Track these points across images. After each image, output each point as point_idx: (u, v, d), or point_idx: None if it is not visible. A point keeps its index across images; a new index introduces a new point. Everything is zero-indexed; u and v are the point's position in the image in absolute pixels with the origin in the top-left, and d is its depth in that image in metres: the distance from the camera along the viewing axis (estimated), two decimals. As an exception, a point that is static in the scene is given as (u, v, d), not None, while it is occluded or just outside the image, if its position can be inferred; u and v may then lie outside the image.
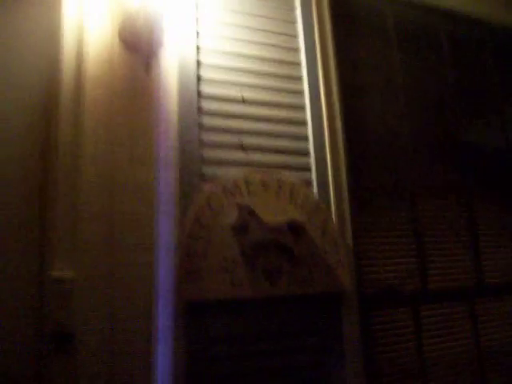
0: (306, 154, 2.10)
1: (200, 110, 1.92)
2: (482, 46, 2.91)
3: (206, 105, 1.94)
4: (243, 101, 2.02)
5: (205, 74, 1.97)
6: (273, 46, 2.15)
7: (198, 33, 1.99)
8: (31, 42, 1.83)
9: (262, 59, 2.11)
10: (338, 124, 2.18)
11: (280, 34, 2.19)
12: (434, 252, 2.40)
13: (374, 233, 2.26)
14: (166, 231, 1.78)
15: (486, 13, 2.89)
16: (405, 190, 2.40)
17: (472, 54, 2.87)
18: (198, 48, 1.97)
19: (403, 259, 2.30)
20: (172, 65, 1.92)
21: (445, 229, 2.47)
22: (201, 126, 1.91)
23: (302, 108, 2.14)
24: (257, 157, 1.99)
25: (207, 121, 1.93)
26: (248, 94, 2.04)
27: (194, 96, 1.92)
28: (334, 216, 2.05)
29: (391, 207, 2.34)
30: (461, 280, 2.44)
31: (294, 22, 2.23)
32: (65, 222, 1.66)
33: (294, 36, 2.21)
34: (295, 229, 1.90)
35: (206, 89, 1.96)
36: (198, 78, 1.95)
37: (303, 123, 2.13)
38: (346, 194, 2.12)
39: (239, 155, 1.96)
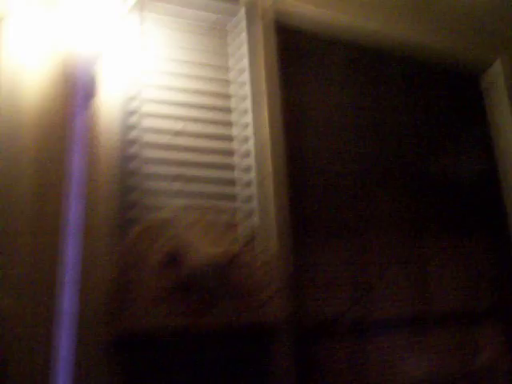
0: (248, 184, 2.14)
1: (139, 142, 1.98)
2: (435, 84, 2.99)
3: (146, 137, 1.99)
4: (183, 132, 2.07)
5: (144, 108, 2.03)
6: (214, 79, 2.22)
7: (139, 70, 2.05)
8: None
9: (203, 93, 2.17)
10: (282, 155, 2.22)
11: (224, 67, 2.26)
12: (378, 282, 2.41)
13: (316, 263, 2.26)
14: (97, 261, 1.83)
15: (441, 55, 2.99)
16: (349, 221, 2.42)
17: (425, 92, 2.93)
18: (139, 84, 2.04)
19: (345, 289, 2.31)
20: (110, 102, 1.98)
21: (390, 259, 2.49)
22: (140, 158, 1.96)
23: (246, 139, 2.19)
24: (197, 187, 2.02)
25: (147, 152, 1.98)
26: (188, 126, 2.09)
27: (132, 130, 1.98)
28: (273, 247, 2.08)
29: (335, 238, 2.34)
30: (406, 310, 2.44)
31: (242, 59, 2.31)
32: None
33: (243, 70, 2.28)
34: (230, 259, 1.94)
35: (145, 122, 2.02)
36: (137, 113, 2.01)
37: (246, 154, 2.17)
38: (287, 225, 2.14)
39: (178, 186, 2.00)
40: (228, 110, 2.21)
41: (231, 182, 2.11)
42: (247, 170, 2.16)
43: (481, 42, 3.19)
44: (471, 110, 3.13)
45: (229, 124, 2.19)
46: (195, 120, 2.11)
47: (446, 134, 2.94)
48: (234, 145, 2.17)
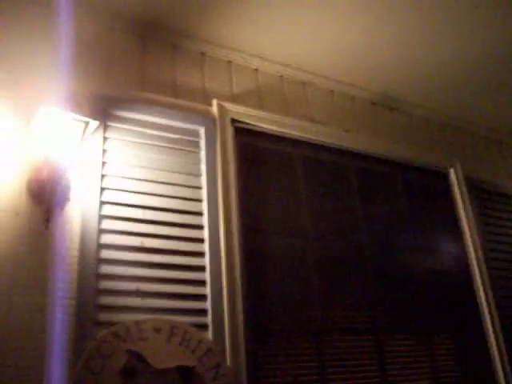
0: (203, 298, 2.23)
1: (99, 259, 2.08)
2: (390, 180, 3.18)
3: (106, 254, 2.10)
4: (143, 248, 2.18)
5: (106, 225, 2.15)
6: (176, 197, 2.35)
7: (102, 188, 2.19)
8: None
9: (163, 209, 2.30)
10: (237, 268, 2.33)
11: (185, 186, 2.40)
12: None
13: (272, 372, 2.32)
14: (58, 377, 1.85)
15: (395, 153, 3.22)
16: (309, 328, 2.49)
17: (381, 187, 3.12)
18: (101, 202, 2.17)
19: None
20: (75, 217, 2.10)
21: (351, 364, 2.53)
22: (99, 275, 2.05)
23: (202, 254, 2.30)
24: (153, 302, 2.12)
25: (106, 269, 2.08)
26: (148, 242, 2.20)
27: (94, 246, 2.08)
28: (228, 358, 2.14)
29: (293, 345, 2.42)
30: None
31: (199, 175, 2.45)
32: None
33: (199, 187, 2.42)
34: (185, 373, 1.98)
35: (108, 239, 2.13)
36: (100, 230, 2.12)
37: (202, 268, 2.28)
38: (241, 337, 2.22)
39: (135, 301, 2.08)
40: (185, 226, 2.34)
41: (186, 296, 2.20)
42: (202, 283, 2.26)
43: (439, 149, 3.50)
44: (440, 204, 3.35)
45: (185, 239, 2.31)
46: (155, 236, 2.24)
47: (413, 229, 3.12)
48: (190, 260, 2.28)
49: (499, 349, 2.99)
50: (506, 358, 2.99)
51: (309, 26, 2.72)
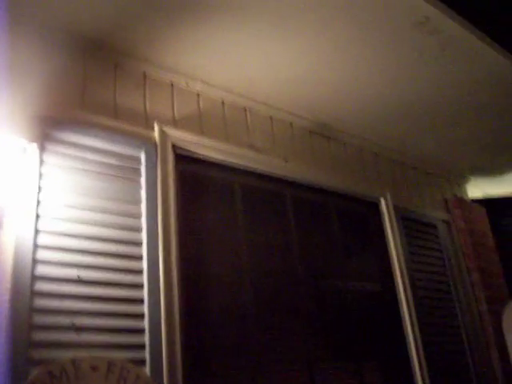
0: (141, 332, 2.16)
1: (32, 292, 1.96)
2: (325, 208, 3.25)
3: (40, 286, 1.98)
4: (79, 280, 2.08)
5: (41, 255, 2.03)
6: (113, 225, 2.26)
7: (37, 215, 2.07)
8: None
9: (102, 239, 2.21)
10: (176, 301, 2.28)
11: (124, 214, 2.31)
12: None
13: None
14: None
15: (329, 183, 3.27)
16: (246, 364, 2.48)
17: (316, 215, 3.18)
18: (36, 230, 2.05)
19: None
20: (8, 247, 1.97)
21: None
22: (32, 309, 1.93)
23: (140, 286, 2.22)
24: (89, 337, 2.02)
25: (39, 302, 1.96)
26: (84, 274, 2.11)
27: (28, 278, 1.96)
28: (166, 396, 2.09)
29: (230, 379, 2.41)
30: None
31: (139, 203, 2.38)
32: None
33: (138, 216, 2.35)
34: (122, 413, 1.92)
35: (42, 270, 2.01)
36: (34, 260, 2.00)
37: (140, 301, 2.20)
38: (180, 372, 2.16)
39: (71, 336, 1.98)
40: (123, 256, 2.25)
41: (124, 330, 2.13)
42: (141, 317, 2.19)
43: (371, 178, 3.60)
44: (371, 231, 3.45)
45: (123, 271, 2.22)
46: (92, 267, 2.14)
47: (347, 255, 3.20)
48: (128, 293, 2.20)
49: (423, 378, 3.09)
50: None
51: (253, 54, 2.71)
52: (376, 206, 3.54)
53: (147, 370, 2.10)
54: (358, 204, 3.46)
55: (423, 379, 3.09)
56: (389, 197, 3.57)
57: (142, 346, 2.14)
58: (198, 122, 2.79)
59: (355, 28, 2.60)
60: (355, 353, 2.96)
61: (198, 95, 2.88)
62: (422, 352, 3.19)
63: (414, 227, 3.69)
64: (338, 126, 3.48)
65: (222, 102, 2.97)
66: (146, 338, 2.15)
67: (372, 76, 2.98)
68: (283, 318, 2.73)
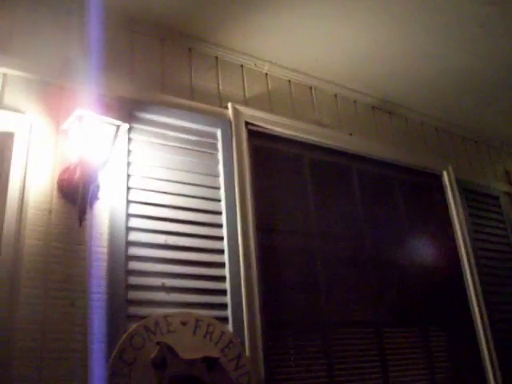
0: (224, 293, 2.37)
1: (127, 255, 2.20)
2: (389, 181, 3.36)
3: (133, 251, 2.22)
4: (166, 245, 2.30)
5: (133, 223, 2.26)
6: (196, 197, 2.47)
7: (129, 187, 2.30)
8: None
9: (186, 209, 2.42)
10: (254, 264, 2.48)
11: (204, 186, 2.52)
12: (345, 378, 2.62)
13: (286, 362, 2.49)
14: (97, 366, 1.97)
15: (392, 156, 3.39)
16: (317, 322, 2.66)
17: (380, 188, 3.31)
18: (128, 201, 2.28)
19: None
20: (105, 215, 2.21)
21: (355, 355, 2.72)
22: (127, 271, 2.17)
23: (221, 251, 2.44)
24: (178, 297, 2.25)
25: (133, 265, 2.20)
26: (171, 240, 2.33)
27: (123, 243, 2.20)
28: (247, 349, 2.29)
29: (303, 337, 2.60)
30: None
31: (217, 176, 2.58)
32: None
33: (217, 187, 2.55)
34: (210, 363, 2.12)
35: (134, 236, 2.25)
36: (127, 228, 2.24)
37: (222, 265, 2.41)
38: (259, 329, 2.37)
39: (162, 296, 2.21)
40: (205, 224, 2.46)
41: (208, 291, 2.34)
42: (222, 279, 2.40)
43: (433, 152, 3.69)
44: (434, 204, 3.55)
45: (205, 237, 2.43)
46: (178, 234, 2.36)
47: (411, 227, 3.32)
48: (211, 257, 2.41)
49: (487, 342, 3.19)
50: (493, 350, 3.20)
51: (318, 34, 2.86)
52: (439, 179, 3.62)
53: (229, 327, 2.31)
54: (420, 177, 3.55)
55: (487, 343, 3.20)
56: (451, 169, 3.65)
57: (224, 306, 2.35)
58: (267, 100, 2.98)
59: (417, 3, 2.69)
60: (421, 318, 3.09)
61: (267, 75, 3.06)
62: (486, 319, 3.27)
63: (476, 199, 3.75)
64: (400, 101, 3.57)
65: (289, 81, 3.14)
66: (228, 298, 2.36)
67: (433, 50, 3.06)
68: (351, 283, 2.88)
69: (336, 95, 3.32)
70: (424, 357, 3.00)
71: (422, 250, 3.32)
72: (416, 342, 3.01)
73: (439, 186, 3.60)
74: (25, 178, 2.10)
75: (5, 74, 2.21)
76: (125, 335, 2.03)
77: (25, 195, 2.08)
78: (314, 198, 2.93)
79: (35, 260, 2.01)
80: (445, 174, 3.62)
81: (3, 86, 2.19)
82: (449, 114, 3.79)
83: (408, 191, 3.45)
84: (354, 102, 3.41)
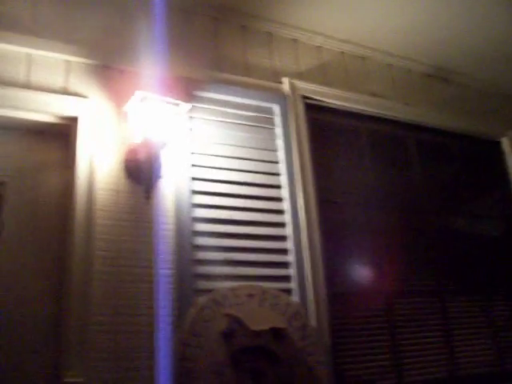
0: (287, 265, 2.41)
1: (193, 231, 2.26)
2: (447, 149, 3.34)
3: (199, 227, 2.29)
4: (231, 220, 2.36)
5: (197, 200, 2.33)
6: (257, 172, 2.52)
7: (191, 165, 2.36)
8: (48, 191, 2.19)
9: (248, 184, 2.47)
10: (317, 236, 2.51)
11: (264, 161, 2.57)
12: (408, 347, 2.65)
13: (350, 332, 2.52)
14: (164, 338, 2.05)
15: (450, 124, 3.35)
16: (380, 291, 2.68)
17: (439, 157, 3.28)
18: (191, 178, 2.34)
19: (379, 356, 2.56)
20: (169, 193, 2.27)
21: (418, 325, 2.74)
22: (194, 246, 2.24)
23: (283, 225, 2.48)
24: (244, 270, 2.31)
25: (199, 241, 2.26)
26: (235, 215, 2.38)
27: (188, 219, 2.26)
28: (312, 320, 2.33)
29: (366, 308, 2.62)
30: (435, 373, 2.67)
31: (276, 150, 2.62)
32: (77, 334, 1.94)
33: (277, 162, 2.59)
34: (277, 334, 2.17)
35: (198, 212, 2.31)
36: (192, 204, 2.30)
37: (285, 238, 2.46)
38: (323, 299, 2.41)
39: (228, 269, 2.27)
40: (267, 198, 2.51)
41: (272, 264, 2.39)
42: (286, 252, 2.44)
43: (492, 119, 3.61)
44: (493, 171, 3.51)
45: (268, 211, 2.48)
46: (240, 208, 2.42)
47: (471, 195, 3.30)
48: (273, 230, 2.46)
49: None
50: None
51: (369, 4, 2.82)
52: (498, 145, 3.56)
53: (295, 298, 2.36)
54: (479, 144, 3.49)
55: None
56: (511, 135, 3.58)
57: (288, 278, 2.40)
58: (321, 73, 2.97)
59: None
60: (484, 287, 3.06)
61: (320, 48, 3.05)
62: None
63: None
64: (455, 68, 3.50)
65: (342, 53, 3.12)
66: (292, 271, 2.41)
67: (489, 14, 2.98)
68: (412, 253, 2.88)
69: (390, 65, 3.29)
70: (488, 326, 2.98)
71: (483, 219, 3.28)
72: (480, 311, 2.99)
73: (499, 153, 3.54)
74: (91, 161, 2.18)
75: (68, 61, 2.28)
76: (194, 308, 2.11)
77: (92, 177, 2.16)
78: (372, 169, 2.93)
79: (106, 239, 2.09)
80: (504, 140, 3.55)
81: (67, 73, 2.27)
82: (507, 79, 3.68)
83: (467, 158, 3.40)
84: (409, 70, 3.36)
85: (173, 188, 2.28)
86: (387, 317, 2.66)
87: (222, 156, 2.46)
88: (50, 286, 2.09)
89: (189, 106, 2.34)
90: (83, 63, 2.31)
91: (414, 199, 3.03)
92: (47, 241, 2.14)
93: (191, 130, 2.42)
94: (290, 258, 2.43)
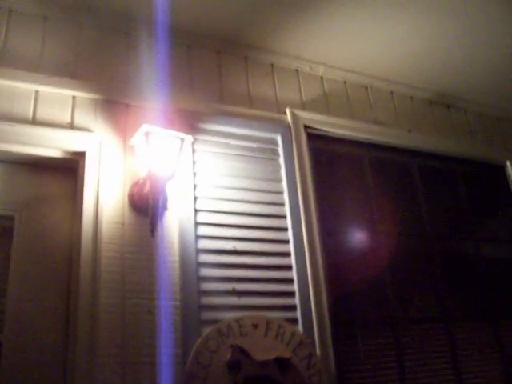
0: (292, 295, 2.43)
1: (198, 262, 2.29)
2: (450, 175, 3.35)
3: (203, 258, 2.31)
4: (235, 251, 2.39)
5: (201, 231, 2.36)
6: (261, 202, 2.55)
7: (195, 197, 2.40)
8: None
9: (252, 215, 2.50)
10: (320, 265, 2.53)
11: (268, 191, 2.59)
12: (415, 375, 2.63)
13: (357, 360, 2.52)
14: (170, 369, 2.07)
15: (453, 150, 3.38)
16: (385, 319, 2.69)
17: (443, 182, 3.30)
18: (195, 210, 2.37)
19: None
20: (174, 225, 2.31)
21: (425, 351, 2.73)
22: (199, 277, 2.26)
23: (287, 254, 2.50)
24: (249, 300, 2.33)
25: (204, 272, 2.29)
26: (239, 245, 2.41)
27: (193, 251, 2.29)
28: (317, 349, 2.34)
29: (373, 335, 2.62)
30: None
31: (280, 181, 2.65)
32: (84, 367, 1.96)
33: (280, 192, 2.62)
34: (282, 364, 2.18)
35: (203, 244, 2.34)
36: (196, 236, 2.33)
37: (289, 267, 2.48)
38: (328, 328, 2.41)
39: (232, 300, 2.30)
40: (270, 229, 2.53)
41: (277, 294, 2.41)
42: (290, 281, 2.46)
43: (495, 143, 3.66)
44: (499, 194, 3.52)
45: (272, 241, 2.50)
46: (245, 239, 2.44)
47: (476, 219, 3.30)
48: (278, 260, 2.48)
49: None
50: None
51: (370, 34, 2.88)
52: (502, 169, 3.57)
53: (299, 327, 2.37)
54: (483, 168, 3.51)
55: None
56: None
57: (293, 307, 2.41)
58: (324, 103, 3.02)
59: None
60: (492, 312, 3.06)
61: (322, 78, 3.11)
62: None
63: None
64: (457, 93, 3.54)
65: (344, 82, 3.17)
66: (297, 300, 2.42)
67: (489, 40, 3.03)
68: (418, 278, 2.89)
69: (392, 92, 3.33)
70: (496, 351, 2.97)
71: (490, 242, 3.29)
72: (487, 336, 2.98)
73: (504, 177, 3.55)
74: (98, 194, 2.22)
75: (74, 97, 2.35)
76: (200, 339, 2.13)
77: (99, 210, 2.20)
78: (376, 197, 2.95)
79: (112, 271, 2.12)
80: (508, 164, 3.56)
81: (73, 108, 2.33)
82: (508, 102, 3.73)
83: (471, 183, 3.41)
84: (411, 97, 3.41)
85: (178, 220, 2.32)
86: (394, 344, 2.66)
87: (225, 187, 2.50)
88: (57, 317, 2.13)
89: (191, 138, 2.39)
90: (89, 98, 2.37)
91: (419, 225, 3.05)
92: (54, 273, 2.19)
93: (195, 162, 2.46)
94: (295, 287, 2.44)
